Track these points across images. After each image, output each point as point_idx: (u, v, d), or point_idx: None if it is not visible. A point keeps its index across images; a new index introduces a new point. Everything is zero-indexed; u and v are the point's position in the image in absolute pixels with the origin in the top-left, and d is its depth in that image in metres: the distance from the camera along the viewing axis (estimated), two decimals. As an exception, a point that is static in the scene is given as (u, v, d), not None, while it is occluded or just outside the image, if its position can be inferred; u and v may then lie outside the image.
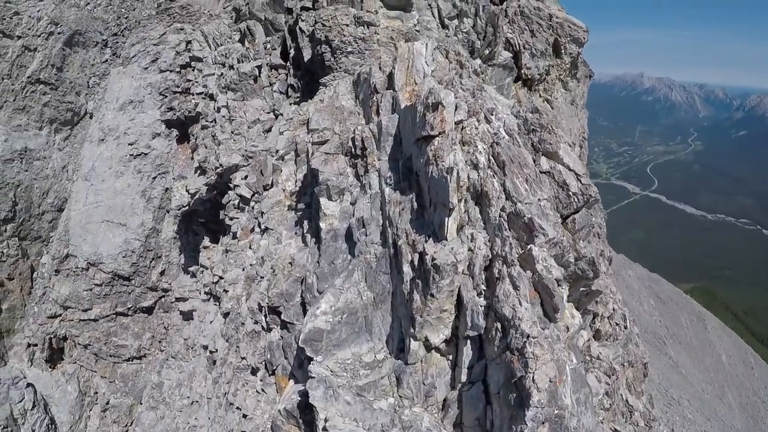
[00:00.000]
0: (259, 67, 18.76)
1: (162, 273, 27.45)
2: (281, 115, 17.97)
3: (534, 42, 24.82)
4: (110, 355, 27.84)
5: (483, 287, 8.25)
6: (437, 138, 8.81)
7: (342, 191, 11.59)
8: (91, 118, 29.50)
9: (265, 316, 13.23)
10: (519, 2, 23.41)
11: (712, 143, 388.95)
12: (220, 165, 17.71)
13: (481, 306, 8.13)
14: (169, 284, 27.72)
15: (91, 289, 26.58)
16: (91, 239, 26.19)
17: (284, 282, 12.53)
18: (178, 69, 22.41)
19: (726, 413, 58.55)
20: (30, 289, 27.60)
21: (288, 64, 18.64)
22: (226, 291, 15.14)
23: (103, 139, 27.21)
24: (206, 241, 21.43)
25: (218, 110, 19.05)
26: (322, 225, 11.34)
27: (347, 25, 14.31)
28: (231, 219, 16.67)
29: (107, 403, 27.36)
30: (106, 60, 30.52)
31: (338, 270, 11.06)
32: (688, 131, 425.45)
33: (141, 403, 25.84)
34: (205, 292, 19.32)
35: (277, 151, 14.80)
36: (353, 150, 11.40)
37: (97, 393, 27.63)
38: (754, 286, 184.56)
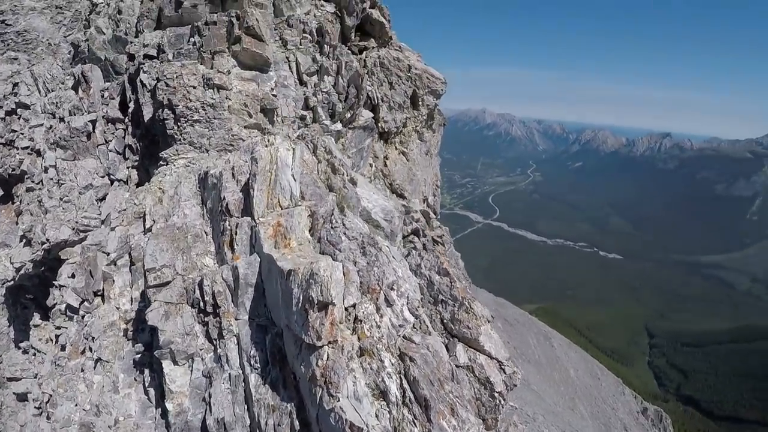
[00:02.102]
0: (94, 122, 15.83)
1: (-12, 345, 22.59)
2: (117, 181, 15.20)
3: (392, 94, 24.01)
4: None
5: None
6: (326, 349, 6.55)
7: (191, 356, 8.82)
8: None
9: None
10: (379, 53, 22.53)
11: (551, 174, 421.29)
12: (47, 240, 14.46)
13: None
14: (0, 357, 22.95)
15: None
16: None
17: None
18: (2, 115, 18.52)
19: (579, 423, 60.99)
20: None
21: (127, 119, 15.94)
22: None
23: None
24: (36, 319, 17.59)
25: (46, 170, 15.71)
26: (169, 406, 8.59)
27: (194, 87, 12.14)
28: (58, 328, 13.52)
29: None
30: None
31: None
32: (527, 163, 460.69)
33: None
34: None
35: (108, 254, 11.93)
36: (201, 303, 8.81)
37: None
38: (595, 303, 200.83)
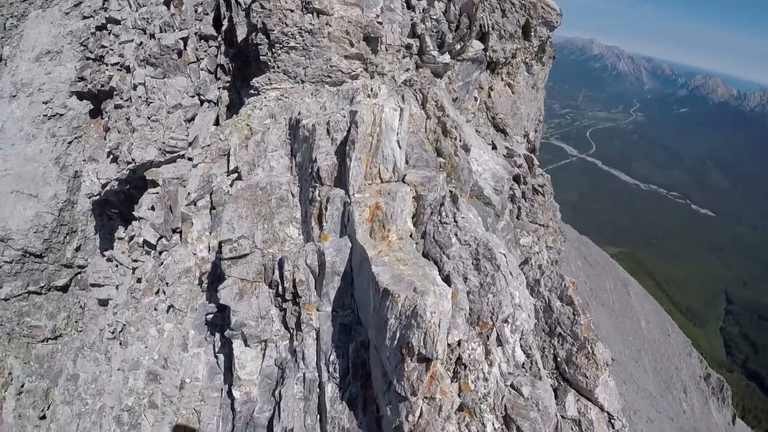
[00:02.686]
0: (185, 39, 14.69)
1: (78, 249, 23.67)
2: (207, 102, 14.16)
3: (504, 23, 21.34)
4: (23, 336, 24.43)
5: None
6: (420, 404, 5.11)
7: (265, 342, 7.58)
8: (5, 65, 24.71)
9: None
10: (491, -23, 19.86)
11: (654, 116, 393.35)
12: (133, 160, 13.94)
13: None
14: (86, 260, 24.09)
15: (0, 267, 22.79)
16: (-1, 212, 22.04)
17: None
18: (93, 30, 17.92)
19: (641, 376, 59.98)
20: (-66, 264, 23.85)
21: (220, 37, 14.66)
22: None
23: (14, 96, 22.48)
24: (120, 231, 17.68)
25: (135, 87, 14.97)
26: (236, 393, 7.44)
27: (292, 11, 10.47)
28: (134, 261, 13.09)
29: (22, 386, 24.10)
30: (26, -1, 25.38)
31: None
32: (631, 102, 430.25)
33: (57, 386, 23.16)
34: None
35: (188, 194, 10.84)
36: (280, 288, 7.38)
37: (11, 374, 24.33)
38: (678, 257, 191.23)
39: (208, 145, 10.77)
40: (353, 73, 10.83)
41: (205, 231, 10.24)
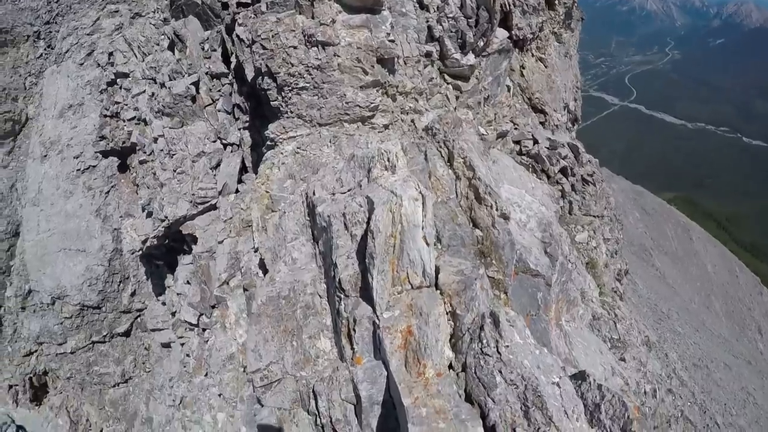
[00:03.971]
0: (197, 83, 13.98)
1: (133, 294, 23.75)
2: (230, 145, 13.45)
3: (525, -3, 19.91)
4: (95, 384, 24.87)
5: None
6: None
7: None
8: (33, 125, 24.90)
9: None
10: (506, -49, 18.40)
11: (690, 52, 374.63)
12: (166, 217, 13.44)
13: None
14: (143, 303, 24.26)
15: (61, 323, 23.21)
16: (50, 271, 22.31)
17: None
18: (104, 86, 17.50)
19: (713, 322, 58.15)
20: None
21: (231, 75, 13.90)
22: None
23: (45, 155, 22.56)
24: (169, 280, 17.42)
25: (155, 140, 14.43)
26: None
27: (295, 48, 9.52)
28: (180, 337, 12.59)
29: (101, 431, 24.58)
30: (41, 55, 25.40)
31: None
32: (665, 41, 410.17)
33: (134, 429, 23.65)
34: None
35: (219, 275, 10.05)
36: (319, 420, 6.38)
37: (88, 421, 24.81)
38: (736, 193, 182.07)
39: (230, 218, 10.03)
40: (372, 104, 9.82)
41: (242, 313, 9.55)
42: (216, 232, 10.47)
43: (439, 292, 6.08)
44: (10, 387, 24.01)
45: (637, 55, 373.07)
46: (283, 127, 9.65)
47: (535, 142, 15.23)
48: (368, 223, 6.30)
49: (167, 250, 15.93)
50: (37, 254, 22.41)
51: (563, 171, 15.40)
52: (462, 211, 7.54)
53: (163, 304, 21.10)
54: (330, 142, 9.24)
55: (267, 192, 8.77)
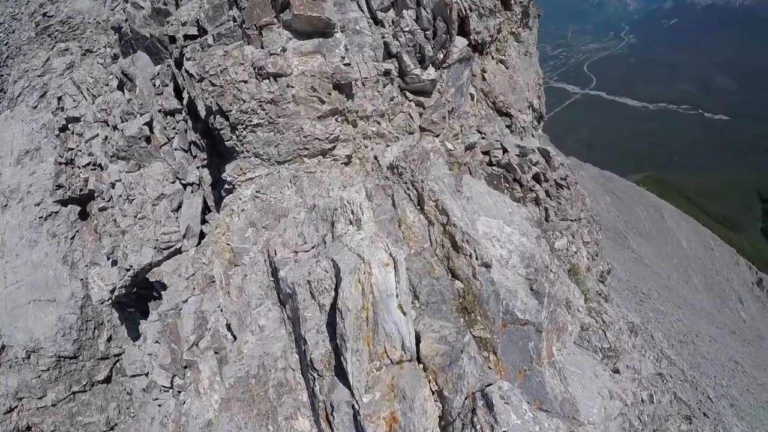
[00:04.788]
0: (149, 123, 13.22)
1: (109, 339, 22.76)
2: (189, 185, 12.73)
3: (480, 0, 19.49)
4: (80, 435, 23.76)
5: None
6: None
7: None
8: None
9: None
10: (455, -45, 17.95)
11: (645, 35, 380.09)
12: (131, 266, 12.65)
13: None
14: (121, 347, 23.29)
15: (39, 376, 22.06)
16: (22, 324, 21.18)
17: None
18: (56, 132, 16.61)
19: (694, 297, 58.96)
20: (-24, 384, 23.27)
21: (184, 111, 13.17)
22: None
23: (6, 205, 21.47)
24: (143, 326, 16.56)
25: (113, 185, 13.62)
26: None
27: (245, 82, 8.88)
28: (155, 399, 11.82)
29: (93, 481, 23.50)
30: (-6, 100, 24.37)
31: None
32: (619, 26, 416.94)
33: None
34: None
35: (187, 337, 9.22)
36: None
37: (78, 471, 23.71)
38: (704, 168, 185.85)
39: (193, 274, 9.30)
40: (332, 135, 9.21)
41: (215, 376, 8.81)
42: (179, 290, 9.72)
43: (422, 367, 5.46)
44: (-6, 446, 22.89)
45: (593, 43, 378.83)
46: (240, 169, 8.98)
47: (505, 150, 14.74)
48: (336, 290, 5.65)
49: (137, 297, 15.08)
50: (7, 308, 21.30)
51: (536, 177, 14.93)
52: (438, 262, 6.93)
53: (140, 348, 20.20)
54: (290, 182, 8.60)
55: (228, 244, 8.10)
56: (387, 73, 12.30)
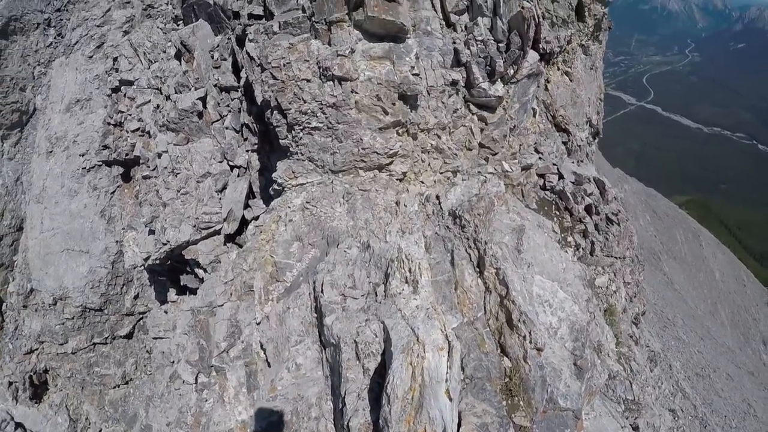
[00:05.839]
0: (203, 99, 12.95)
1: (136, 297, 23.04)
2: (237, 168, 12.47)
3: (555, 8, 18.63)
4: (95, 384, 24.36)
5: None
6: None
7: None
8: (39, 118, 24.12)
9: None
10: (535, -37, 17.17)
11: (710, 55, 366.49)
12: (168, 241, 12.53)
13: None
14: (146, 306, 23.58)
15: (63, 324, 22.57)
16: (53, 272, 21.55)
17: None
18: (108, 92, 16.49)
19: (718, 330, 57.42)
20: (1, 322, 24.11)
21: (240, 91, 12.85)
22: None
23: (51, 151, 21.64)
24: (172, 294, 16.55)
25: (159, 155, 13.46)
26: None
27: (309, 81, 8.46)
28: (177, 389, 11.68)
29: (100, 431, 24.12)
30: (51, 43, 24.51)
31: None
32: (685, 42, 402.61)
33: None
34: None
35: (218, 344, 8.99)
36: None
37: (88, 420, 24.35)
38: (749, 201, 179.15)
39: (231, 280, 9.01)
40: (390, 151, 8.75)
41: (242, 388, 8.57)
42: (216, 294, 9.48)
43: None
44: (10, 384, 23.58)
45: (656, 55, 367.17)
46: (292, 171, 8.62)
47: (560, 176, 14.08)
48: (383, 356, 5.30)
49: (170, 269, 15.04)
50: (40, 253, 21.66)
51: (587, 209, 14.27)
52: (490, 334, 6.45)
53: (165, 312, 20.36)
54: (343, 198, 8.20)
55: (272, 257, 7.77)
56: (454, 83, 11.71)
